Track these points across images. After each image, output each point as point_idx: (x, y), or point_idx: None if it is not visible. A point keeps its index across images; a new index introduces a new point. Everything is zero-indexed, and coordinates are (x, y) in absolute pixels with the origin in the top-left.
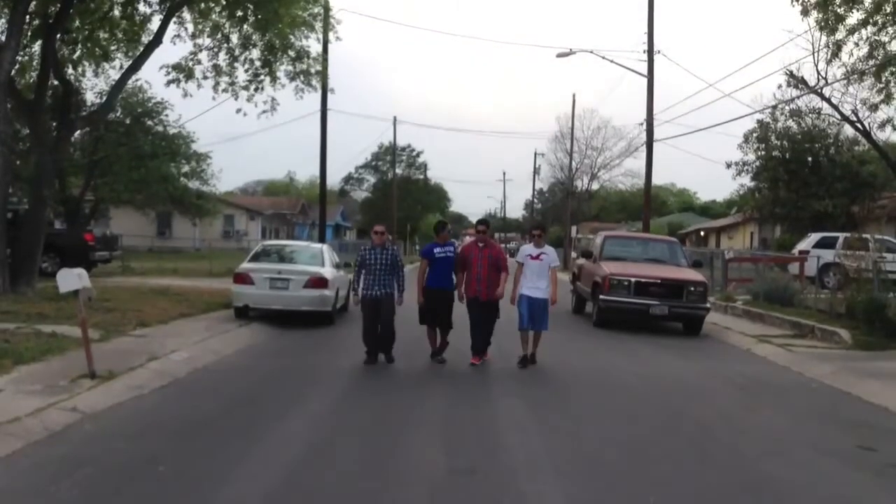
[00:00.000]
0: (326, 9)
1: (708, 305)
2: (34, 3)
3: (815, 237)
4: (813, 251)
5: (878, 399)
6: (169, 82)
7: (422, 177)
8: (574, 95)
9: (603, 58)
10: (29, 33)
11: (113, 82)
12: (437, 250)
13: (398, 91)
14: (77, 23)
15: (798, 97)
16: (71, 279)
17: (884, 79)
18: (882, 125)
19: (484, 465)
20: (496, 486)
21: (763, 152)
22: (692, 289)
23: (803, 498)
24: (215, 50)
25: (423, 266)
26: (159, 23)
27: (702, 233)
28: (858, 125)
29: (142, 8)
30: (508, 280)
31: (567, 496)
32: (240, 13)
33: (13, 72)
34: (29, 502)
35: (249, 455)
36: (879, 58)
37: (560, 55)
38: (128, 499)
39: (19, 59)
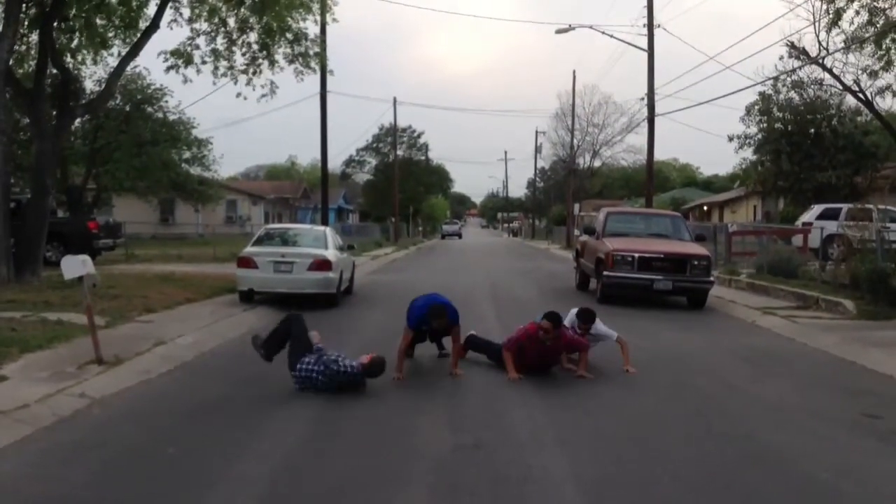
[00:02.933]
0: None
1: (712, 279)
2: None
3: (818, 209)
4: (816, 223)
5: (883, 368)
6: (168, 68)
7: (423, 158)
8: (574, 72)
9: (603, 33)
10: (26, 22)
11: (111, 69)
12: (424, 327)
13: (398, 72)
14: (74, 10)
15: (799, 68)
16: (76, 265)
17: (884, 46)
18: (881, 91)
19: (489, 440)
20: (502, 460)
21: (765, 125)
22: (696, 263)
23: (808, 465)
24: (213, 34)
25: (406, 338)
26: (156, 8)
27: (705, 207)
28: (860, 95)
29: None
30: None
31: (573, 468)
32: None
33: (11, 61)
34: (40, 487)
35: (258, 435)
36: (879, 24)
37: (559, 31)
38: (138, 480)
39: (17, 47)
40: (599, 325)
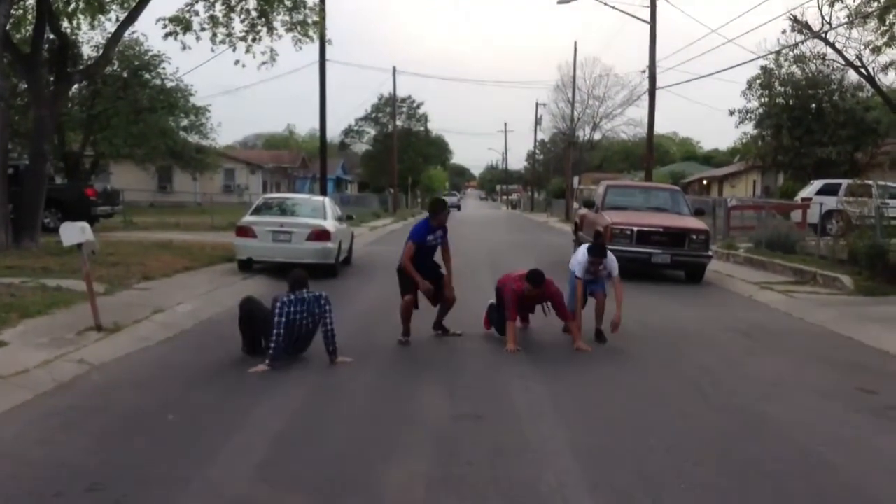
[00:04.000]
0: None
1: (710, 253)
2: None
3: (817, 184)
4: (816, 198)
5: (879, 343)
6: (167, 35)
7: (422, 129)
8: (576, 43)
9: (605, 4)
10: None
11: (109, 35)
12: (429, 238)
13: (398, 41)
14: None
15: (802, 42)
16: (74, 232)
17: (888, 21)
18: (885, 68)
19: (488, 411)
20: (500, 431)
21: (766, 99)
22: (694, 237)
23: (803, 438)
24: (211, 0)
25: (409, 250)
26: None
27: (704, 182)
28: (862, 70)
29: None
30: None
31: (570, 439)
32: None
33: (8, 26)
34: (40, 451)
35: (258, 403)
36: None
37: (561, 2)
38: (139, 446)
39: (15, 11)
40: (611, 258)
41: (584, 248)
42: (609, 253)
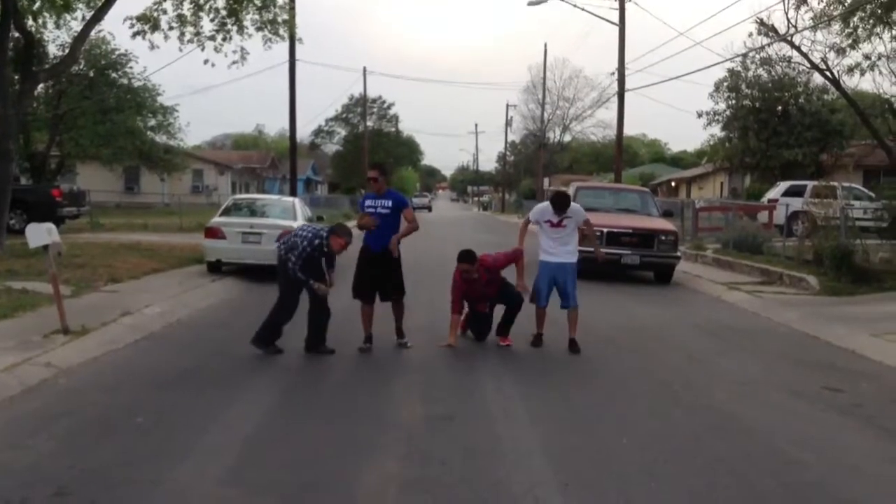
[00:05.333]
0: None
1: (679, 254)
2: None
3: (783, 185)
4: (782, 199)
5: (845, 342)
6: (135, 34)
7: (393, 129)
8: (546, 45)
9: (574, 6)
10: None
11: (75, 34)
12: (367, 202)
13: (368, 41)
14: None
15: (768, 45)
16: (40, 234)
17: (851, 24)
18: (850, 70)
19: (461, 411)
20: (473, 431)
21: (734, 101)
22: (663, 238)
23: (770, 436)
24: None
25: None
26: None
27: (673, 183)
28: (828, 73)
29: None
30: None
31: (542, 439)
32: None
33: None
34: (6, 456)
35: (227, 406)
36: (847, 2)
37: (531, 3)
38: (107, 449)
39: None
40: (574, 206)
41: (545, 203)
42: (574, 204)
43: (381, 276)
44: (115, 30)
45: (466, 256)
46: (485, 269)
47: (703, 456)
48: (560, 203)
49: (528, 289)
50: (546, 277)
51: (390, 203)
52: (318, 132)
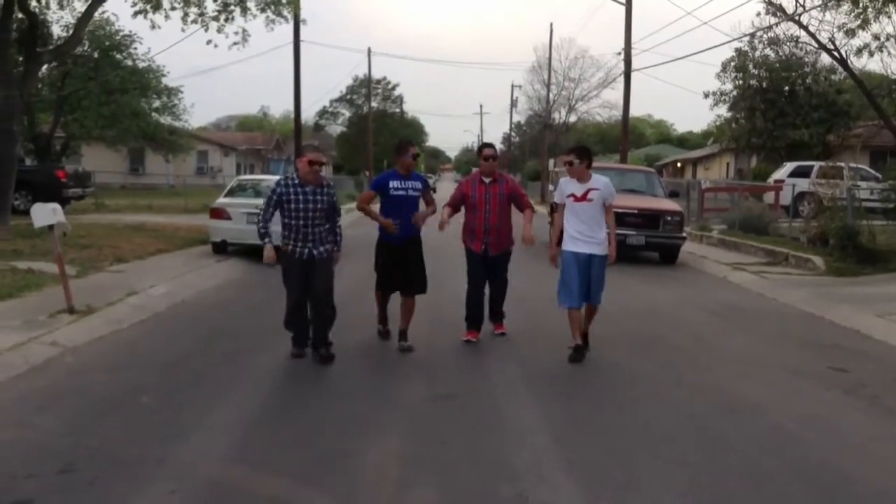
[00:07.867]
0: None
1: (684, 235)
2: None
3: (790, 166)
4: (788, 180)
5: (850, 322)
6: (136, 13)
7: (398, 110)
8: (552, 25)
9: None
10: None
11: (79, 14)
12: (393, 183)
13: (373, 22)
14: None
15: (776, 24)
16: (46, 213)
17: (861, 4)
18: (858, 51)
19: (463, 390)
20: (475, 410)
21: (741, 82)
22: (668, 218)
23: (775, 416)
24: None
25: (366, 196)
26: None
27: (678, 164)
28: (835, 53)
29: None
30: (536, 218)
31: (545, 417)
32: None
33: None
34: (13, 433)
35: (232, 385)
36: None
37: None
38: (112, 428)
39: None
40: (602, 178)
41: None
42: (603, 177)
43: (406, 272)
44: (119, 10)
45: (490, 144)
46: (506, 185)
47: (707, 435)
48: (580, 153)
49: (535, 238)
50: (573, 269)
51: (420, 185)
52: (322, 113)
